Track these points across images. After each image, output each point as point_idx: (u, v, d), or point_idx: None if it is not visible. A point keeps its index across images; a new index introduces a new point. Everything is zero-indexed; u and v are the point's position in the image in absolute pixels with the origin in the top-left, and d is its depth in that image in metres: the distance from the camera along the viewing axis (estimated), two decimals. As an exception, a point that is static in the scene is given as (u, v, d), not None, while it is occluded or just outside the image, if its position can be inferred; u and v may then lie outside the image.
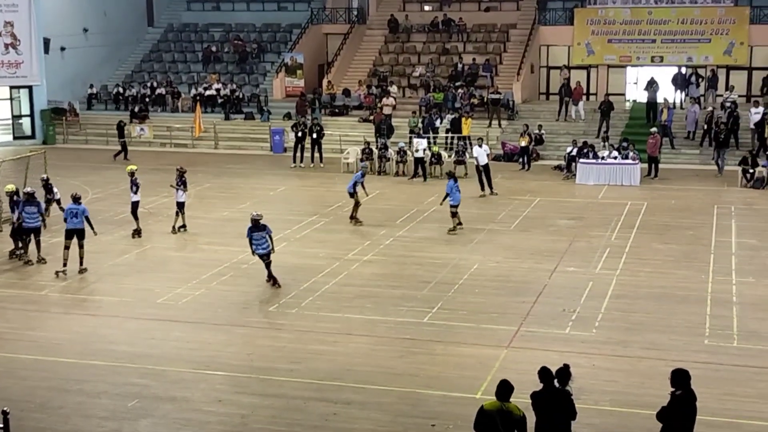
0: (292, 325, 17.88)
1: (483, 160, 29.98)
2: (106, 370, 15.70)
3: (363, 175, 26.55)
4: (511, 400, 10.72)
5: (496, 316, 18.19)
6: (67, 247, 21.10)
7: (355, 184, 25.79)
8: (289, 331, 17.57)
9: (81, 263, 21.22)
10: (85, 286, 20.53)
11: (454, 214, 24.72)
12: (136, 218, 24.72)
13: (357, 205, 25.86)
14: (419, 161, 32.67)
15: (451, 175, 25.20)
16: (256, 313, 18.64)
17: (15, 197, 22.88)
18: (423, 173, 32.48)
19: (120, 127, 37.39)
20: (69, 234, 21.17)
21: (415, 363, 15.92)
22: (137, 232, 24.65)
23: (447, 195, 24.80)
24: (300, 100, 40.43)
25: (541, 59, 43.28)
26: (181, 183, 25.19)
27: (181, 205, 25.18)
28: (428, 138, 34.81)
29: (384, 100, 39.37)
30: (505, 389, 10.73)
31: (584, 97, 39.90)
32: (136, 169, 25.28)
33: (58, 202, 25.57)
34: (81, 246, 21.22)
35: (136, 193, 24.60)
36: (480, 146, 30.55)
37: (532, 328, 17.51)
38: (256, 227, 19.92)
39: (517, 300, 19.14)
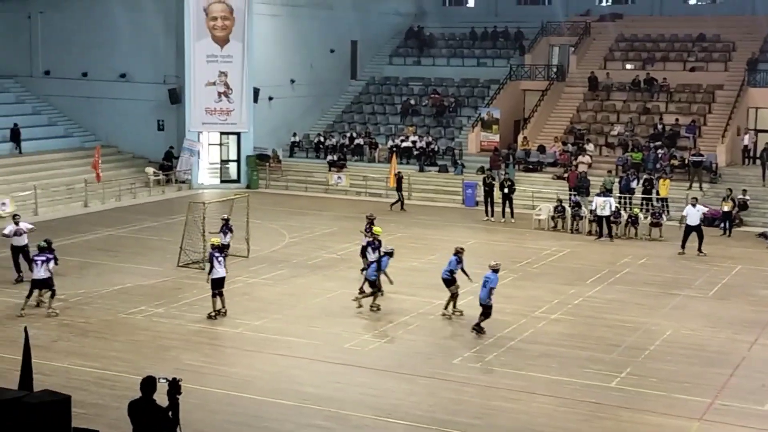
0: (476, 379, 17.78)
1: (694, 221, 29.31)
2: (292, 409, 16.12)
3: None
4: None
5: (688, 386, 17.42)
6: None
7: (451, 271, 22.12)
8: (472, 385, 17.48)
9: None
10: (277, 326, 21.21)
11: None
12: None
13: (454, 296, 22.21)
14: (604, 220, 31.81)
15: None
16: (440, 364, 18.66)
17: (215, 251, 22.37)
18: (609, 232, 31.69)
19: (399, 179, 38.03)
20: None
21: (601, 428, 15.46)
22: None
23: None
24: (494, 155, 40.55)
25: (748, 122, 41.55)
26: (370, 230, 25.66)
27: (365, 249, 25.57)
28: (620, 197, 33.83)
29: (580, 157, 38.90)
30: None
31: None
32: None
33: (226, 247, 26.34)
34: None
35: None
36: (693, 206, 29.76)
37: (728, 401, 16.64)
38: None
39: (712, 371, 18.27)
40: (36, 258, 21.80)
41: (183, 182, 42.15)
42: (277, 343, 19.98)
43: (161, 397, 11.40)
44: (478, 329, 20.38)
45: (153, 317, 21.72)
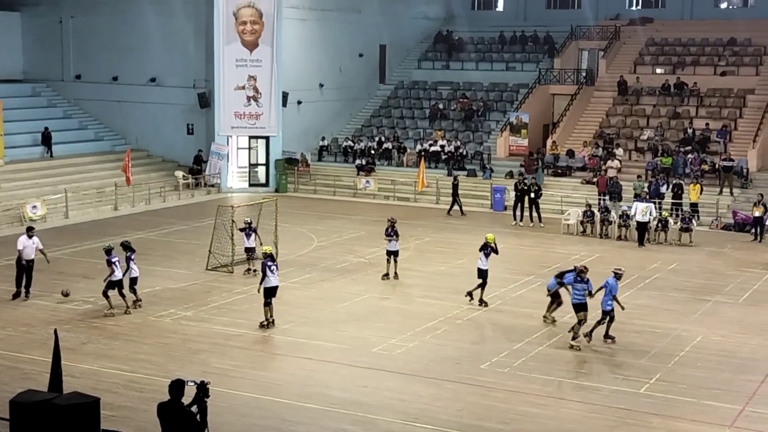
0: (503, 384, 17.72)
1: (642, 218, 29.98)
2: (320, 413, 16.15)
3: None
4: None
5: (719, 392, 17.26)
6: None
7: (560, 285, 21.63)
8: (500, 390, 17.43)
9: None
10: (305, 330, 21.25)
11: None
12: None
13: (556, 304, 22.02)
14: (642, 226, 31.61)
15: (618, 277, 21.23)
16: (468, 369, 18.62)
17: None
18: (640, 238, 31.44)
19: (455, 185, 37.87)
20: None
21: (629, 435, 15.35)
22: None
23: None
24: (529, 159, 40.29)
25: (780, 126, 41.18)
26: (393, 233, 25.74)
27: (392, 254, 25.76)
28: (654, 203, 33.59)
29: (609, 162, 38.71)
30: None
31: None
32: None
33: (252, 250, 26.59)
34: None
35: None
36: (642, 202, 30.45)
37: (759, 409, 16.47)
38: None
39: (743, 378, 18.09)
40: (129, 257, 22.47)
41: (212, 186, 42.37)
42: (305, 346, 20.01)
43: (190, 401, 11.46)
44: (609, 337, 20.28)
45: (182, 320, 21.84)
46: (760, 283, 26.07)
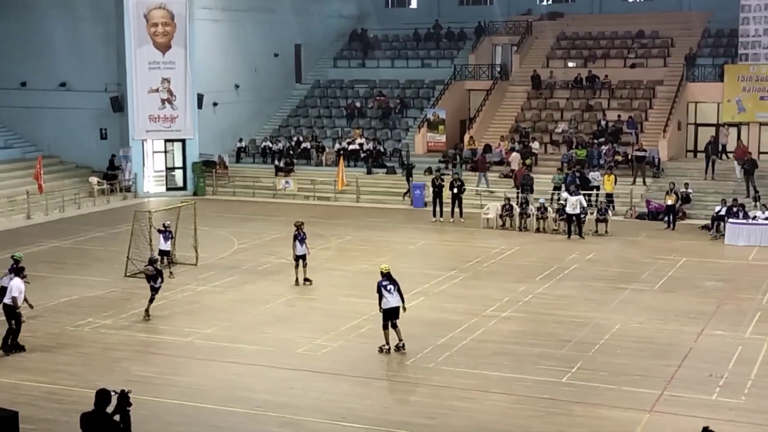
0: (429, 380, 17.82)
1: (574, 210, 31.21)
2: (246, 417, 16.01)
3: None
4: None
5: (638, 378, 17.64)
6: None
7: None
8: (426, 385, 17.52)
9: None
10: (228, 334, 21.03)
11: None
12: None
13: None
14: (574, 218, 31.88)
15: None
16: (394, 366, 18.67)
17: None
18: (568, 230, 31.87)
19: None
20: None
21: (554, 424, 15.58)
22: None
23: None
24: (482, 157, 40.08)
25: (688, 116, 42.28)
26: (302, 236, 25.13)
27: (300, 258, 25.18)
28: (583, 195, 33.73)
29: (512, 154, 39.30)
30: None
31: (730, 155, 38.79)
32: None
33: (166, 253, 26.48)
34: None
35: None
36: (572, 194, 31.59)
37: (677, 392, 16.89)
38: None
39: (661, 363, 18.53)
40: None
41: (128, 191, 41.67)
42: (229, 350, 19.82)
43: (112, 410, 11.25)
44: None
45: (101, 329, 21.41)
46: (674, 270, 26.74)
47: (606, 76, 44.51)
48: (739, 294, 23.94)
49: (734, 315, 21.95)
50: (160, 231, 26.44)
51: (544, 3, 53.30)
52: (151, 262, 22.48)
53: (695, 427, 12.81)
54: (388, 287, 19.01)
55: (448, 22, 52.38)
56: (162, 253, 26.37)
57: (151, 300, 22.09)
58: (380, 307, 19.15)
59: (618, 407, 16.22)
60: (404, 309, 19.30)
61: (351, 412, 16.12)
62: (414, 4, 56.78)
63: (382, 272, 19.27)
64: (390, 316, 19.04)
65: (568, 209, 31.83)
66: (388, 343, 19.16)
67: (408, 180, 39.22)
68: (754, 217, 30.80)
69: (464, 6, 54.76)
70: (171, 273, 26.04)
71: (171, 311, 22.66)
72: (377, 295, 19.16)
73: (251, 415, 16.08)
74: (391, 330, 19.11)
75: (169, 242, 26.56)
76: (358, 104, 48.07)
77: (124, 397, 11.24)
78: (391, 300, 19.00)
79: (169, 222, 26.95)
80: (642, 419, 15.65)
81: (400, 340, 19.21)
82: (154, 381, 17.84)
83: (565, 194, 32.80)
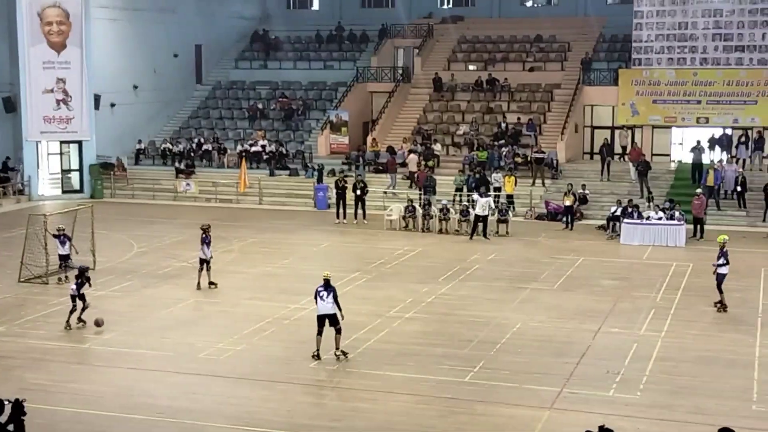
0: (333, 381, 17.80)
1: (481, 211, 31.54)
2: (147, 424, 15.72)
3: None
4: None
5: (538, 376, 17.96)
6: None
7: None
8: (330, 388, 17.50)
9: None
10: (128, 339, 20.61)
11: None
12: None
13: None
14: (481, 220, 32.09)
15: None
16: (297, 369, 18.57)
17: None
18: (472, 231, 32.18)
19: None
20: None
21: (457, 423, 15.73)
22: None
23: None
24: (391, 158, 40.08)
25: (585, 119, 43.30)
26: (208, 240, 24.75)
27: (206, 262, 24.78)
28: (492, 196, 34.03)
29: (410, 155, 39.59)
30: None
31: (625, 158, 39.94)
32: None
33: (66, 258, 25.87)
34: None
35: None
36: (482, 196, 31.92)
37: (576, 389, 17.25)
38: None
39: (560, 361, 18.90)
40: None
41: (21, 193, 40.47)
42: (129, 356, 19.43)
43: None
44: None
45: (-6, 336, 20.74)
46: (573, 269, 27.33)
47: (506, 79, 45.24)
48: (635, 292, 24.60)
49: (630, 313, 22.55)
50: (55, 236, 25.77)
51: (446, 6, 53.86)
52: (81, 271, 21.69)
53: (593, 423, 13.10)
54: (322, 293, 18.78)
55: (350, 24, 52.46)
56: (61, 257, 25.72)
57: (83, 308, 21.39)
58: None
59: (519, 405, 16.47)
60: (341, 317, 18.98)
61: (254, 416, 15.98)
62: (316, 6, 56.71)
63: (323, 278, 19.09)
64: (322, 322, 18.78)
65: (478, 211, 32.20)
66: (318, 350, 18.89)
67: (320, 182, 39.02)
68: (648, 218, 31.70)
69: (366, 8, 54.95)
70: (60, 279, 25.46)
71: (67, 317, 22.06)
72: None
73: (152, 421, 15.78)
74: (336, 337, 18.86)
75: (67, 246, 25.91)
76: (260, 106, 47.72)
77: (18, 407, 10.94)
78: (322, 307, 18.76)
79: (63, 226, 26.29)
80: (542, 416, 15.93)
81: (337, 348, 18.96)
82: (50, 389, 17.36)
83: (475, 196, 33.19)
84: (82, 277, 21.49)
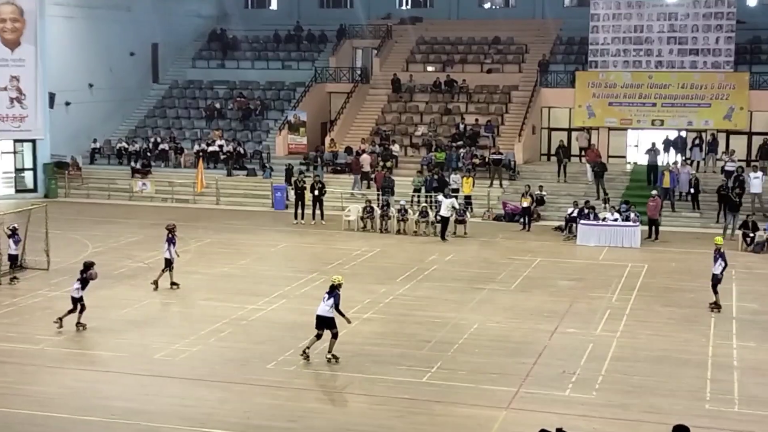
0: (291, 382, 17.73)
1: (445, 213, 31.82)
2: (101, 426, 15.54)
3: None
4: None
5: (495, 376, 18.04)
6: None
7: None
8: (287, 388, 17.42)
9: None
10: (82, 340, 20.38)
11: None
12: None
13: None
14: (445, 221, 32.16)
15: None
16: (254, 370, 18.48)
17: None
18: (442, 232, 32.18)
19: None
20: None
21: (414, 423, 15.75)
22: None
23: None
24: (355, 158, 40.03)
25: (542, 121, 43.60)
26: (173, 239, 24.65)
27: (170, 262, 24.65)
28: (456, 197, 34.07)
29: (363, 156, 39.62)
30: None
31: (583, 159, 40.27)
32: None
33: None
34: None
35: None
36: (446, 197, 32.07)
37: (532, 389, 17.35)
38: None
39: (517, 361, 19.00)
40: None
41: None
42: (83, 357, 19.21)
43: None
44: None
45: (-56, 338, 20.38)
46: (530, 270, 27.50)
47: (464, 80, 45.42)
48: (590, 293, 24.81)
49: (586, 313, 22.74)
50: (8, 235, 25.40)
51: (404, 8, 53.93)
52: (86, 267, 21.25)
53: (550, 422, 13.21)
54: (325, 296, 18.85)
55: (308, 24, 52.32)
56: (11, 257, 25.40)
57: (82, 309, 20.99)
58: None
59: (476, 405, 16.54)
60: (348, 321, 19.12)
61: (210, 418, 15.86)
62: (274, 6, 56.45)
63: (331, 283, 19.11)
64: (317, 323, 18.81)
65: (443, 212, 32.25)
66: (308, 347, 18.83)
67: (288, 181, 38.54)
68: (604, 219, 32.00)
69: (325, 8, 54.82)
70: (11, 279, 25.11)
71: (21, 317, 21.78)
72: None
73: (106, 423, 15.61)
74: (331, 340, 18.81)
75: (18, 246, 25.56)
76: (217, 105, 47.44)
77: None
78: (319, 308, 18.84)
79: (16, 225, 25.91)
80: (499, 416, 16.01)
81: (329, 351, 18.80)
82: (3, 391, 17.11)
83: (440, 197, 33.25)
84: (86, 273, 20.99)
